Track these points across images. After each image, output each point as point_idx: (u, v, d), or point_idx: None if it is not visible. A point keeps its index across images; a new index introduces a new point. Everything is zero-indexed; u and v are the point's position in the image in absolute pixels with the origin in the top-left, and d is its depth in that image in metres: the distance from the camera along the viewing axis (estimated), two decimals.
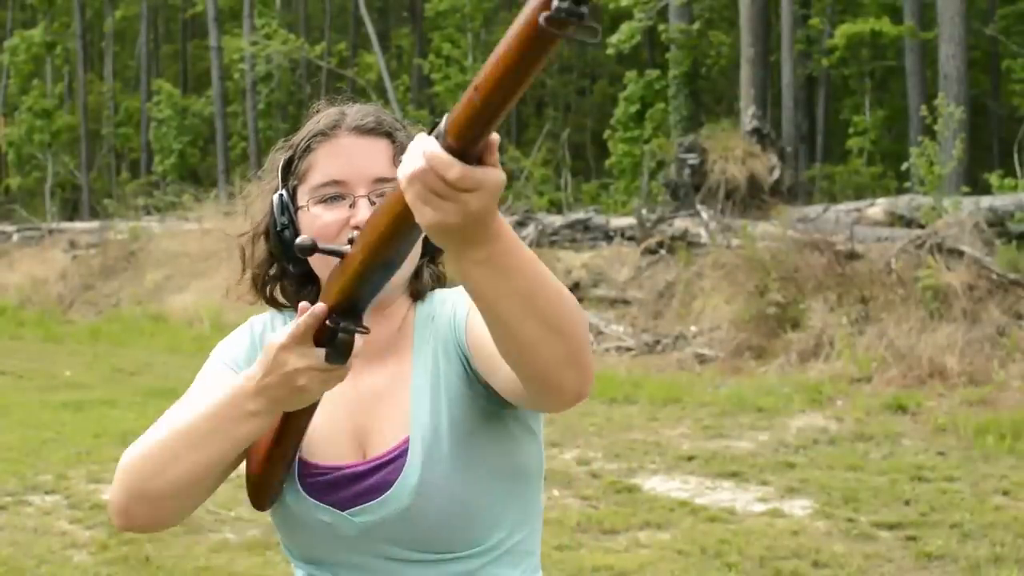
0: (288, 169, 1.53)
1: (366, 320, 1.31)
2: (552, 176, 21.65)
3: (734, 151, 13.20)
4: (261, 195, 1.57)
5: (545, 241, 13.12)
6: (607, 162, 21.24)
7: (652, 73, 20.69)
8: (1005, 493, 5.92)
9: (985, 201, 11.23)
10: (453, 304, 1.53)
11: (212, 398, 1.39)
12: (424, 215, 1.09)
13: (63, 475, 6.68)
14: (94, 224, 20.76)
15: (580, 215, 14.05)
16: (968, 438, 7.10)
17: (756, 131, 13.83)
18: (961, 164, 12.45)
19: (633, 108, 20.40)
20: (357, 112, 1.53)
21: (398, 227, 1.17)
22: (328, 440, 1.51)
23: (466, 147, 1.05)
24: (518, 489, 1.52)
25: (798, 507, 5.77)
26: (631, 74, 20.83)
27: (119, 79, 32.43)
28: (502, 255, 1.14)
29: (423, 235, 1.23)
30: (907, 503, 5.73)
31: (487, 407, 1.48)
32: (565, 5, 0.93)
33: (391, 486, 1.46)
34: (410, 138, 1.52)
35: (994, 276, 9.38)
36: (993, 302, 9.26)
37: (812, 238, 10.63)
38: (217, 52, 25.11)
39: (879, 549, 5.05)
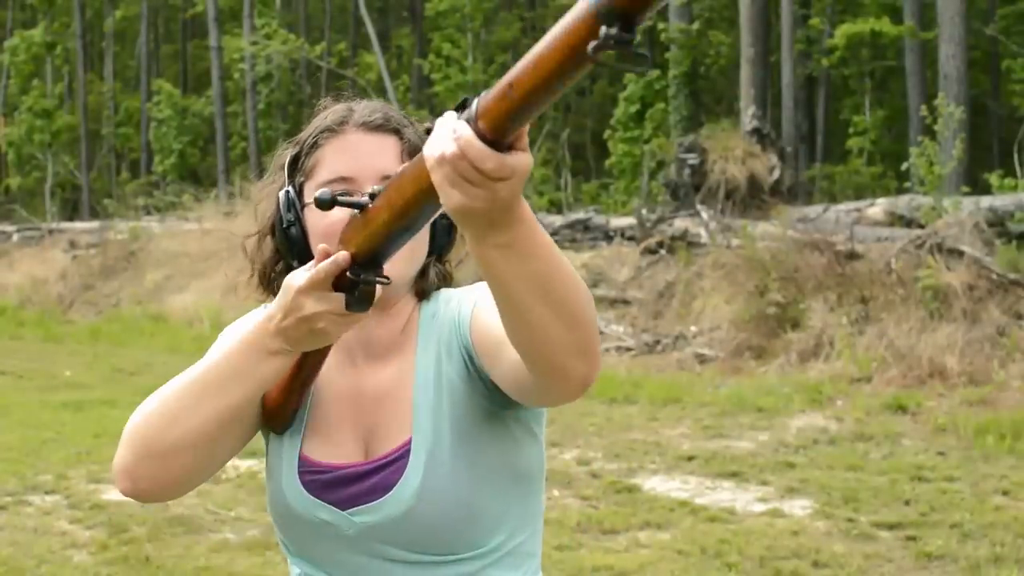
0: (294, 165, 1.52)
1: (369, 316, 1.31)
2: (552, 176, 21.66)
3: (734, 151, 13.20)
4: (268, 194, 1.55)
5: None
6: (607, 162, 21.24)
7: (652, 73, 20.68)
8: (1005, 493, 5.91)
9: (985, 201, 11.22)
10: (459, 303, 1.52)
11: (230, 343, 1.38)
12: (451, 198, 1.07)
13: (63, 475, 6.68)
14: (94, 224, 20.76)
15: (580, 215, 14.06)
16: (968, 438, 7.10)
17: (756, 131, 13.83)
18: (961, 164, 12.45)
19: (633, 108, 20.40)
20: (365, 108, 1.51)
21: (424, 197, 1.16)
22: (330, 439, 1.51)
23: (500, 137, 1.03)
24: (519, 491, 1.51)
25: (798, 507, 5.77)
26: (631, 74, 20.81)
27: (119, 79, 32.44)
28: (523, 239, 1.13)
29: (433, 220, 1.22)
30: (907, 503, 5.73)
31: (489, 407, 1.47)
32: (613, 33, 0.90)
33: (392, 487, 1.45)
34: (418, 135, 1.51)
35: (994, 276, 9.38)
36: (993, 302, 9.26)
37: (812, 238, 10.63)
38: (217, 52, 25.12)
39: (879, 549, 5.05)
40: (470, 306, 1.48)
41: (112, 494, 6.21)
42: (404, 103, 23.86)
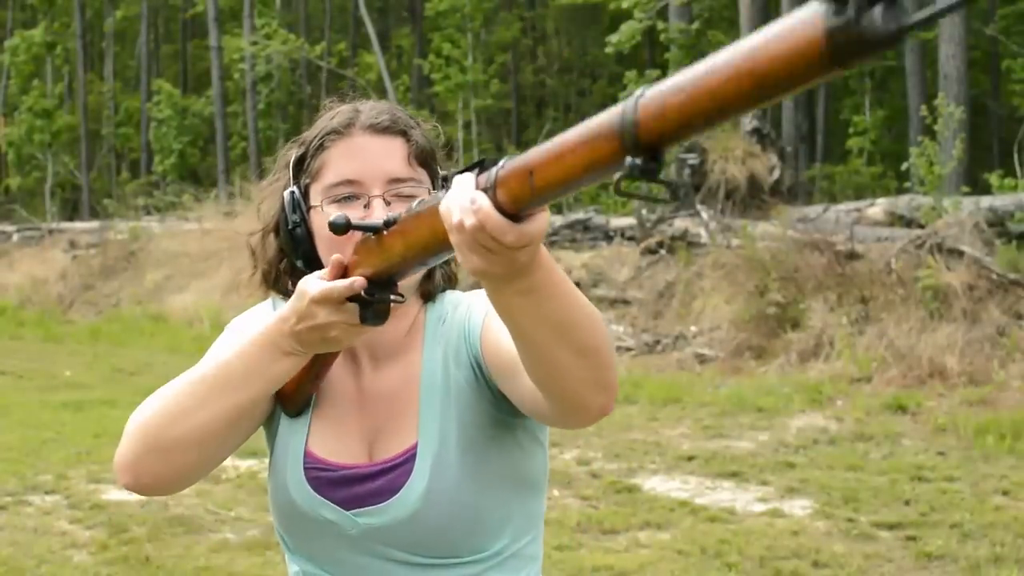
0: (300, 166, 1.50)
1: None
2: None
3: (734, 151, 13.19)
4: (272, 192, 1.54)
5: (545, 241, 13.04)
6: None
7: (652, 73, 20.66)
8: (1005, 493, 5.91)
9: (985, 201, 11.22)
10: (467, 308, 1.51)
11: (241, 342, 1.37)
12: (470, 262, 1.07)
13: (63, 475, 6.68)
14: (94, 224, 20.76)
15: (580, 215, 14.04)
16: (968, 438, 7.10)
17: (756, 131, 13.82)
18: (961, 164, 12.45)
19: None
20: (371, 110, 1.50)
21: (440, 247, 1.17)
22: (335, 437, 1.51)
23: (519, 212, 1.03)
24: (523, 496, 1.51)
25: (798, 507, 5.77)
26: (631, 74, 20.80)
27: (119, 79, 32.45)
28: (541, 283, 1.13)
29: None
30: (907, 503, 5.73)
31: (496, 415, 1.47)
32: (638, 164, 0.90)
33: (398, 491, 1.45)
34: (424, 137, 1.50)
35: (994, 276, 9.38)
36: (993, 302, 9.26)
37: (812, 238, 10.62)
38: (217, 52, 25.11)
39: (879, 549, 5.05)
40: (480, 316, 1.47)
41: (112, 494, 6.22)
42: (404, 103, 23.86)
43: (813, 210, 12.56)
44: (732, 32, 20.08)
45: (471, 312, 1.50)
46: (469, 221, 1.03)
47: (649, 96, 0.90)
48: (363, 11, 24.40)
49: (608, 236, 13.26)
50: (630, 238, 12.83)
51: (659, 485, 6.30)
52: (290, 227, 1.48)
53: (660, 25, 19.27)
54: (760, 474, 6.43)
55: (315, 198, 1.47)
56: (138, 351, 13.21)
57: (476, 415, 1.47)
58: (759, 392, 8.68)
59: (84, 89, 29.05)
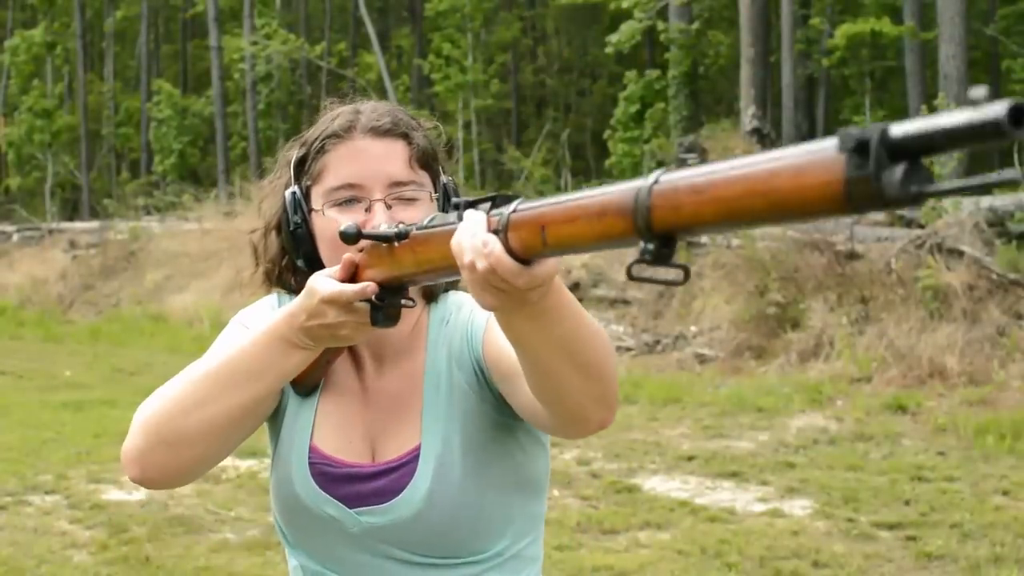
0: (301, 167, 1.50)
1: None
2: (552, 176, 21.65)
3: (734, 151, 13.20)
4: (273, 191, 1.54)
5: None
6: (607, 162, 21.23)
7: (652, 73, 20.69)
8: (1005, 493, 5.91)
9: (985, 201, 11.21)
10: (470, 311, 1.51)
11: (251, 336, 1.37)
12: (482, 300, 1.08)
13: (63, 475, 6.68)
14: (94, 224, 20.77)
15: None
16: (968, 438, 7.10)
17: (756, 131, 13.84)
18: (961, 164, 12.45)
19: (633, 108, 20.39)
20: (372, 111, 1.49)
21: (451, 272, 1.18)
22: (340, 434, 1.51)
23: (529, 258, 1.04)
24: (525, 498, 1.52)
25: (798, 507, 5.77)
26: (631, 74, 20.83)
27: (119, 79, 32.45)
28: (550, 307, 1.13)
29: None
30: (907, 503, 5.73)
31: (498, 418, 1.47)
32: (651, 249, 0.91)
33: (400, 492, 1.46)
34: (426, 138, 1.50)
35: (994, 276, 9.38)
36: (993, 302, 9.25)
37: (812, 238, 10.62)
38: (217, 52, 25.11)
39: (879, 549, 5.05)
40: (483, 319, 1.47)
41: (112, 494, 6.22)
42: (404, 103, 23.85)
43: None
44: (732, 32, 20.09)
45: (474, 314, 1.50)
46: (481, 264, 1.04)
47: (664, 186, 0.91)
48: (363, 11, 24.40)
49: None
50: None
51: (659, 485, 6.30)
52: (291, 228, 1.47)
53: (660, 25, 19.28)
54: (760, 474, 6.43)
55: (316, 201, 1.47)
56: (138, 351, 13.21)
57: (479, 417, 1.47)
58: (759, 392, 8.68)
59: (84, 89, 29.05)
